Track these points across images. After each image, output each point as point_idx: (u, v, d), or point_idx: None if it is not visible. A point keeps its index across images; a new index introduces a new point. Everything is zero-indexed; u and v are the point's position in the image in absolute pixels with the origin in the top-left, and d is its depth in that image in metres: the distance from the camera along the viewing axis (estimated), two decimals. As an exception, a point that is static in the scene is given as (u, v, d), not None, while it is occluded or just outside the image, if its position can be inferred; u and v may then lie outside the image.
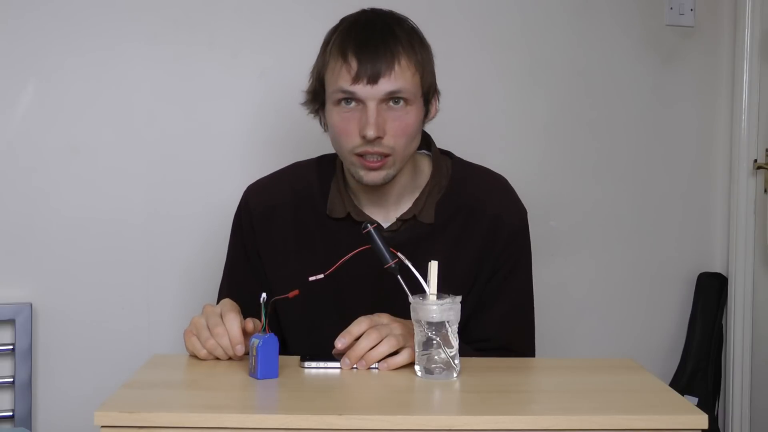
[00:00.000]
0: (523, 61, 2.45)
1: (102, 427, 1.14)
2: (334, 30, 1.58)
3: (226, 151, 2.26)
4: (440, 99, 1.62)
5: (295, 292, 1.41)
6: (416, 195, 1.63)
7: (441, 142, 1.71)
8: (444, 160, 1.68)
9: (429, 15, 2.37)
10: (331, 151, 1.71)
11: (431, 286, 1.34)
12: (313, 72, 1.60)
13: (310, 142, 2.13)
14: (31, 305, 2.14)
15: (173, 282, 2.24)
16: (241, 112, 2.27)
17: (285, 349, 1.61)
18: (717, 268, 2.62)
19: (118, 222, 2.21)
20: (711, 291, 2.59)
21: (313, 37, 1.62)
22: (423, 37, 1.58)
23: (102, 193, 2.20)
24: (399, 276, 1.38)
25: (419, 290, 1.35)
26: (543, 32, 2.46)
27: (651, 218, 2.57)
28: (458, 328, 1.34)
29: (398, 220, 1.61)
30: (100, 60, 2.18)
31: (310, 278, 1.41)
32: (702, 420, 1.16)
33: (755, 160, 2.53)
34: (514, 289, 1.65)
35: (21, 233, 2.16)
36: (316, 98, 1.59)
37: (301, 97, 1.63)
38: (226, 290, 1.70)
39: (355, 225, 1.58)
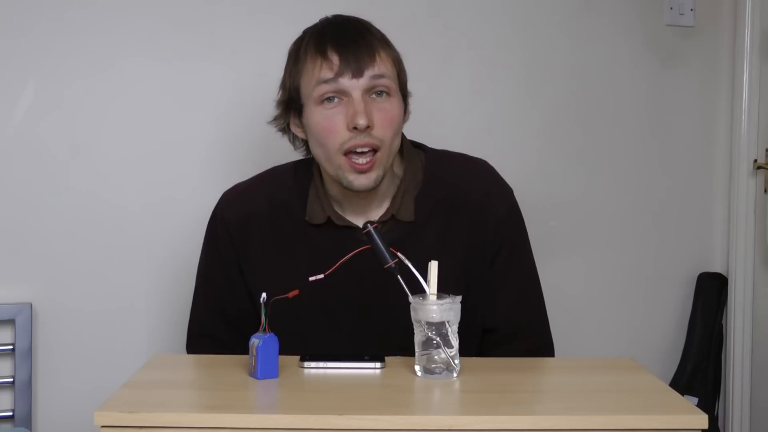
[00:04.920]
0: (522, 61, 2.45)
1: (102, 427, 1.14)
2: (301, 39, 1.57)
3: (225, 150, 2.26)
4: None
5: (295, 291, 1.40)
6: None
7: (439, 143, 1.70)
8: (416, 153, 1.64)
9: (428, 15, 2.38)
10: None
11: (431, 286, 1.34)
12: (283, 84, 1.57)
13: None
14: (31, 305, 2.14)
15: (174, 282, 2.23)
16: (241, 112, 2.27)
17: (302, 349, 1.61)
18: (717, 268, 2.62)
19: (117, 222, 2.20)
20: (711, 291, 2.58)
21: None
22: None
23: (102, 193, 2.19)
24: (399, 276, 1.38)
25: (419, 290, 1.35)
26: (542, 32, 2.46)
27: (651, 218, 2.57)
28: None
29: (377, 222, 1.54)
30: (100, 60, 2.18)
31: (310, 278, 1.39)
32: (702, 420, 1.16)
33: (755, 160, 2.52)
34: (517, 270, 1.63)
35: (21, 233, 2.16)
36: (290, 106, 1.56)
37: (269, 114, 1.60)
38: (203, 306, 1.66)
39: (336, 230, 1.56)
